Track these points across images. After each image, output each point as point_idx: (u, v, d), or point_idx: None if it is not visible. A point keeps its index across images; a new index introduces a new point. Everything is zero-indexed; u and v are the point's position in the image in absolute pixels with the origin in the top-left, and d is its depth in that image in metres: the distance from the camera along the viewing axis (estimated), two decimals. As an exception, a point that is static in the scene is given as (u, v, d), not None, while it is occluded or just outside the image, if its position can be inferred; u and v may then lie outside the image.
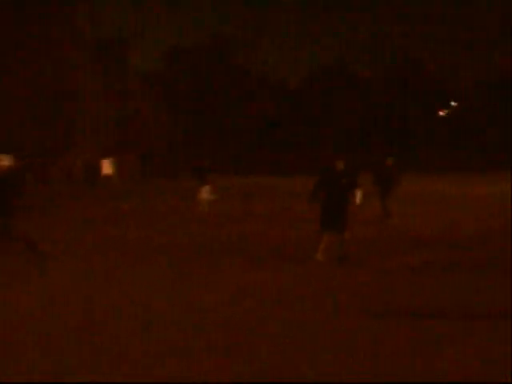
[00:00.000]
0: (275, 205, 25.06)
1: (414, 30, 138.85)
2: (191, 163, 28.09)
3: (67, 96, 49.67)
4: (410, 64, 79.35)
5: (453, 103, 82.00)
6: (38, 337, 6.92)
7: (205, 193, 22.08)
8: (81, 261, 11.90)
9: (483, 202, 25.64)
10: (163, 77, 72.77)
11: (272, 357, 6.27)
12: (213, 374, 5.79)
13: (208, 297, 8.78)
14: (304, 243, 13.52)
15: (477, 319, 7.62)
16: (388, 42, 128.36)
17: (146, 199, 29.46)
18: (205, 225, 18.11)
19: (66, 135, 49.91)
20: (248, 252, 12.85)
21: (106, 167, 49.80)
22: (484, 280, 9.84)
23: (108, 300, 8.66)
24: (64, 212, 23.21)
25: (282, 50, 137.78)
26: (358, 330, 7.12)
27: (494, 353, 6.36)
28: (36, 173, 41.27)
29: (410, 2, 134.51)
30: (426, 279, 9.96)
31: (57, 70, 49.41)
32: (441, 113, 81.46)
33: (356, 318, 7.64)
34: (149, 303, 8.44)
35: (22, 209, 11.83)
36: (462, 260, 11.70)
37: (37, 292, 9.18)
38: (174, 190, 34.76)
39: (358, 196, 12.16)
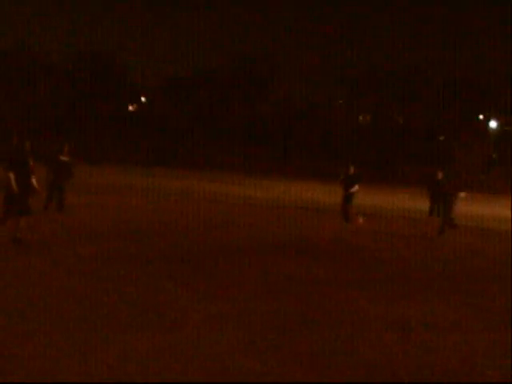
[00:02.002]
0: None
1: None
2: None
3: None
4: (98, 57, 78.73)
5: (143, 99, 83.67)
6: None
7: None
8: None
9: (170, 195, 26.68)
10: None
11: None
12: None
13: None
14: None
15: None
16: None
17: None
18: None
19: None
20: None
21: None
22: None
23: None
24: None
25: None
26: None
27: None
28: None
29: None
30: (97, 268, 10.29)
31: None
32: (130, 108, 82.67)
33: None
34: None
35: None
36: (130, 251, 12.23)
37: None
38: None
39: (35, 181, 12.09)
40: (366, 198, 24.26)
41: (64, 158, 18.34)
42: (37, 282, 9.03)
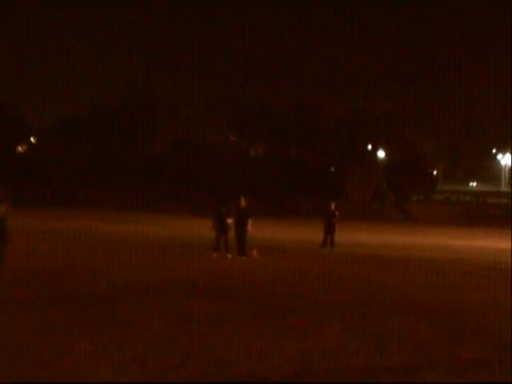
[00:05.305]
0: None
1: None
2: None
3: None
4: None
5: (32, 139, 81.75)
6: None
7: None
8: None
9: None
10: None
11: None
12: None
13: None
14: None
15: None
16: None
17: None
18: None
19: None
20: None
21: None
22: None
23: None
24: None
25: None
26: None
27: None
28: None
29: None
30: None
31: None
32: (20, 148, 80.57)
33: None
34: None
35: None
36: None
37: None
38: None
39: None
40: (260, 231, 24.55)
41: None
42: None
